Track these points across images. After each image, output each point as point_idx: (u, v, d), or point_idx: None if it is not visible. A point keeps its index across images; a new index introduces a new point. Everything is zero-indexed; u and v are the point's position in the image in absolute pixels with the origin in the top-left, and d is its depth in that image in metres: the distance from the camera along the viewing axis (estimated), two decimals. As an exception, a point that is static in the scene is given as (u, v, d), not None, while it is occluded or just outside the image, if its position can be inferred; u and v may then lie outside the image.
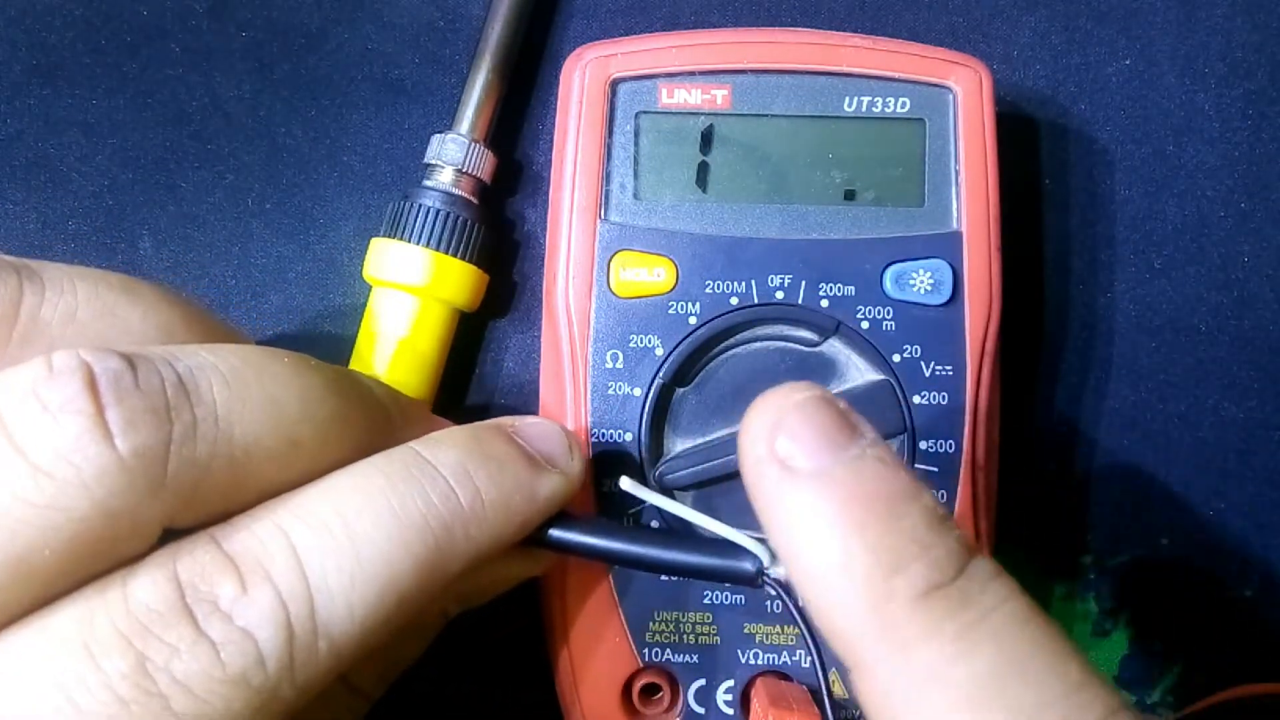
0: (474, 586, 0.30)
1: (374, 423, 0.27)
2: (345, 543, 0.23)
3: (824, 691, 0.27)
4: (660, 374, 0.32)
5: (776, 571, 0.27)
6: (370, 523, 0.24)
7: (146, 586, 0.22)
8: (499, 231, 0.37)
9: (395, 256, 0.34)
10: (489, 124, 0.36)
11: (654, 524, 0.32)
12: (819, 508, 0.23)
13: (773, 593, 0.27)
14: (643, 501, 0.30)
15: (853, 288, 0.32)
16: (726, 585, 0.32)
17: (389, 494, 0.24)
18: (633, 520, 0.32)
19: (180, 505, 0.22)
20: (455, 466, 0.26)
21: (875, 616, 0.22)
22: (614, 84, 0.33)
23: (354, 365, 0.35)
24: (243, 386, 0.23)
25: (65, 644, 0.21)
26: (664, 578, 0.32)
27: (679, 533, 0.30)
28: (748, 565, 0.27)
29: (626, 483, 0.28)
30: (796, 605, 0.26)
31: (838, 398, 0.25)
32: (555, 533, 0.28)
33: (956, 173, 0.33)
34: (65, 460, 0.21)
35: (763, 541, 0.27)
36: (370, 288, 0.35)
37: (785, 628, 0.32)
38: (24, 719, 0.20)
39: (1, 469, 0.20)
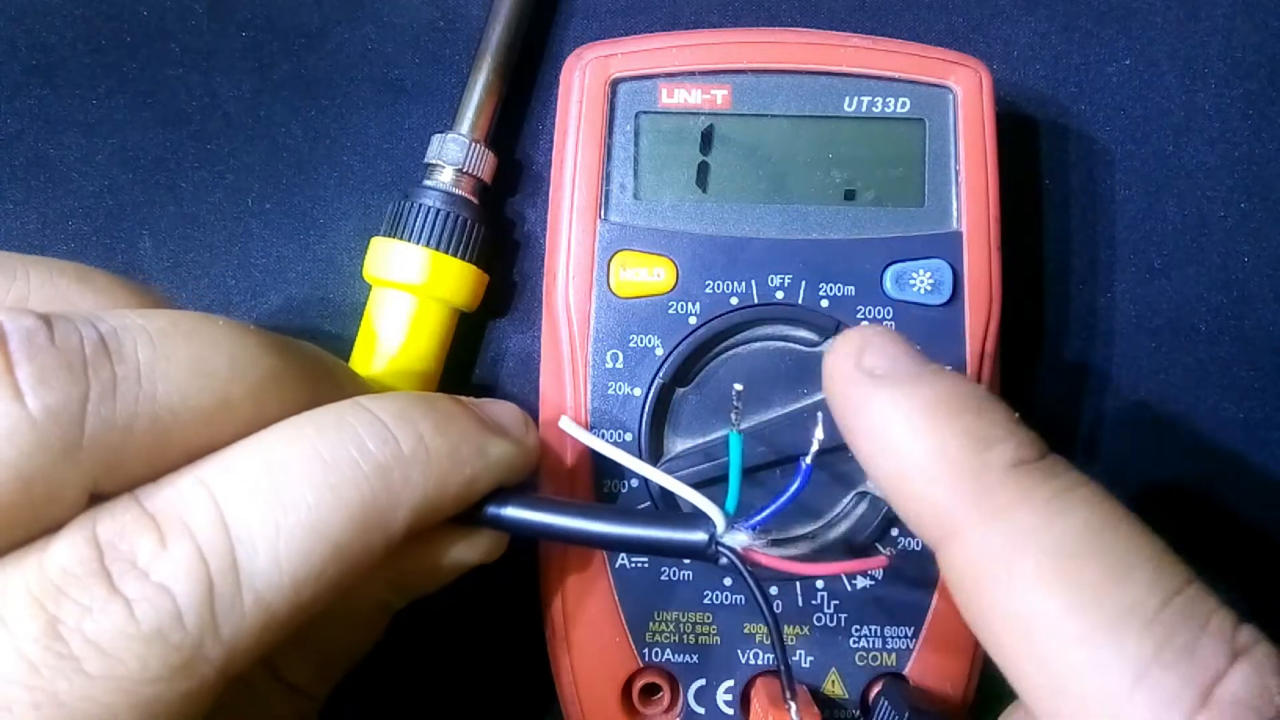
0: (414, 571, 0.28)
1: (314, 384, 0.26)
2: (269, 492, 0.22)
3: (782, 663, 0.26)
4: (660, 374, 0.32)
5: (732, 539, 0.26)
6: (297, 471, 0.23)
7: (64, 550, 0.21)
8: (499, 231, 0.37)
9: (395, 256, 0.34)
10: (489, 124, 0.36)
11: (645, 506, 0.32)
12: (912, 405, 0.24)
13: (724, 563, 0.26)
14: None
15: (853, 288, 0.32)
16: (727, 585, 0.32)
17: (317, 441, 0.23)
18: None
19: (102, 468, 0.22)
20: (397, 413, 0.25)
21: (971, 485, 0.23)
22: (614, 84, 0.33)
23: (354, 364, 0.35)
24: (169, 345, 0.23)
25: None
26: (664, 577, 0.32)
27: (626, 508, 0.29)
28: (700, 535, 0.26)
29: (565, 422, 0.27)
30: (750, 574, 0.25)
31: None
32: (493, 509, 0.27)
33: (956, 173, 0.33)
34: None
35: (720, 508, 0.26)
36: (370, 287, 0.35)
37: (786, 628, 0.32)
38: None
39: None
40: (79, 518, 0.22)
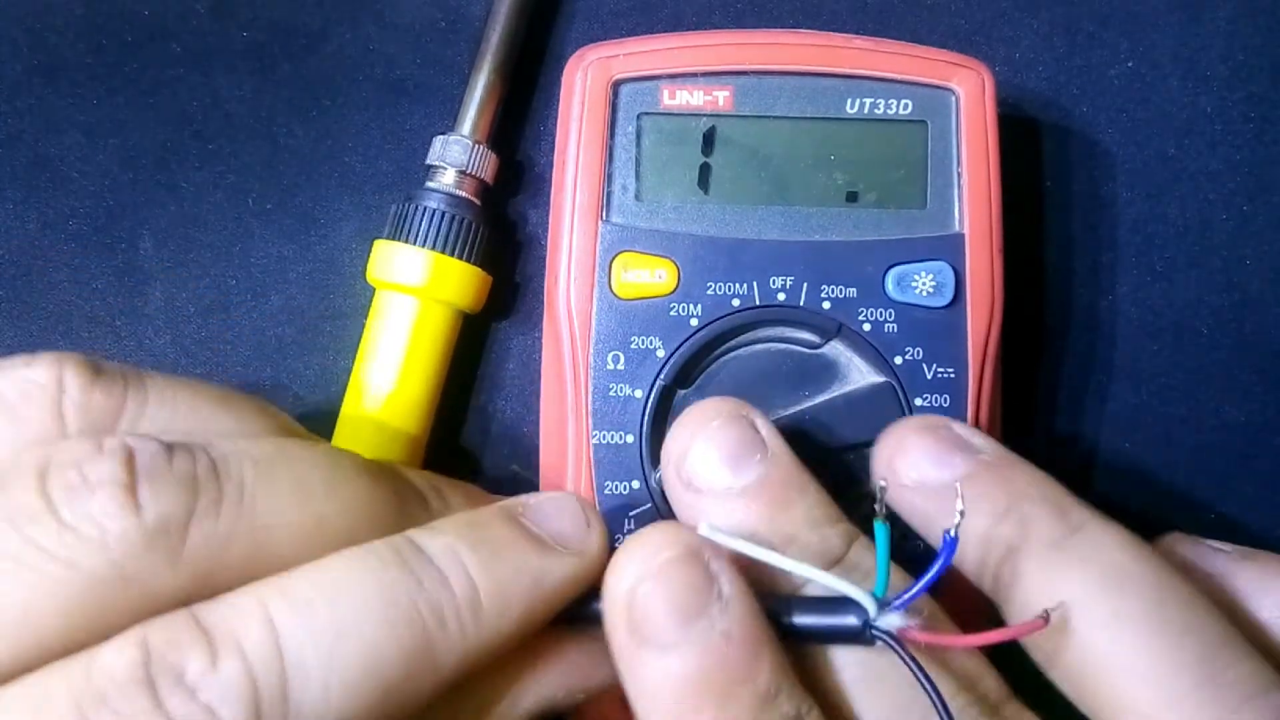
0: (552, 691, 0.27)
1: (405, 504, 0.26)
2: (326, 620, 0.23)
3: None
4: (662, 376, 0.32)
5: (886, 622, 0.24)
6: (355, 602, 0.23)
7: (112, 653, 0.21)
8: (501, 233, 0.37)
9: (399, 259, 0.34)
10: (491, 125, 0.36)
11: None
12: (659, 681, 0.24)
13: (879, 646, 0.25)
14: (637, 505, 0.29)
15: (855, 289, 0.32)
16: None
17: (379, 575, 0.23)
18: (634, 523, 0.32)
19: (198, 579, 0.23)
20: (445, 552, 0.25)
21: None
22: (616, 85, 0.33)
23: (358, 367, 0.35)
24: (270, 467, 0.24)
25: (20, 706, 0.21)
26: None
27: (774, 594, 0.27)
28: (852, 619, 0.25)
29: (706, 529, 0.25)
30: (911, 659, 0.24)
31: (699, 546, 0.25)
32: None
33: (958, 174, 0.33)
34: (91, 520, 0.22)
35: (868, 592, 0.25)
36: (373, 290, 0.35)
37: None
38: None
39: (34, 524, 0.21)
40: (136, 625, 0.22)
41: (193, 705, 0.21)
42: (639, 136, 0.33)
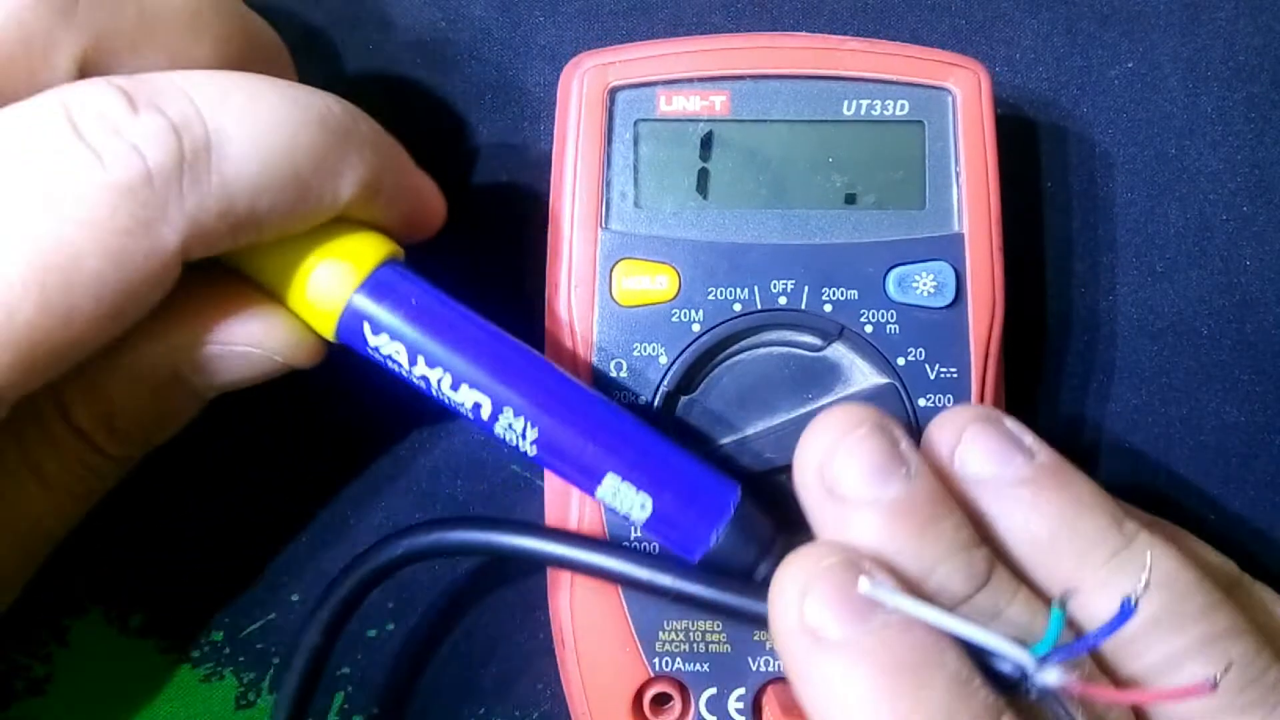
0: (205, 341, 0.28)
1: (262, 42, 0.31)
2: (244, 103, 0.25)
3: None
4: (665, 382, 0.32)
5: (1044, 678, 0.24)
6: (274, 99, 0.26)
7: (28, 105, 0.24)
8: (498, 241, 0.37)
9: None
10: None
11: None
12: (851, 678, 0.24)
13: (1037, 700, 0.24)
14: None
15: (856, 291, 0.32)
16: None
17: (288, 87, 0.27)
18: (638, 530, 0.32)
19: (92, 37, 0.25)
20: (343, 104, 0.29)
21: None
22: (612, 92, 0.33)
23: None
24: None
25: None
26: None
27: None
28: (1007, 669, 0.24)
29: (866, 586, 0.24)
30: (1069, 713, 0.24)
31: (860, 556, 0.25)
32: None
33: (957, 174, 0.33)
34: None
35: (1023, 644, 0.24)
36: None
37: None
38: None
39: None
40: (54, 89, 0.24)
41: (116, 141, 0.23)
42: (636, 143, 0.33)
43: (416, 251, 0.36)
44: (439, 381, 0.28)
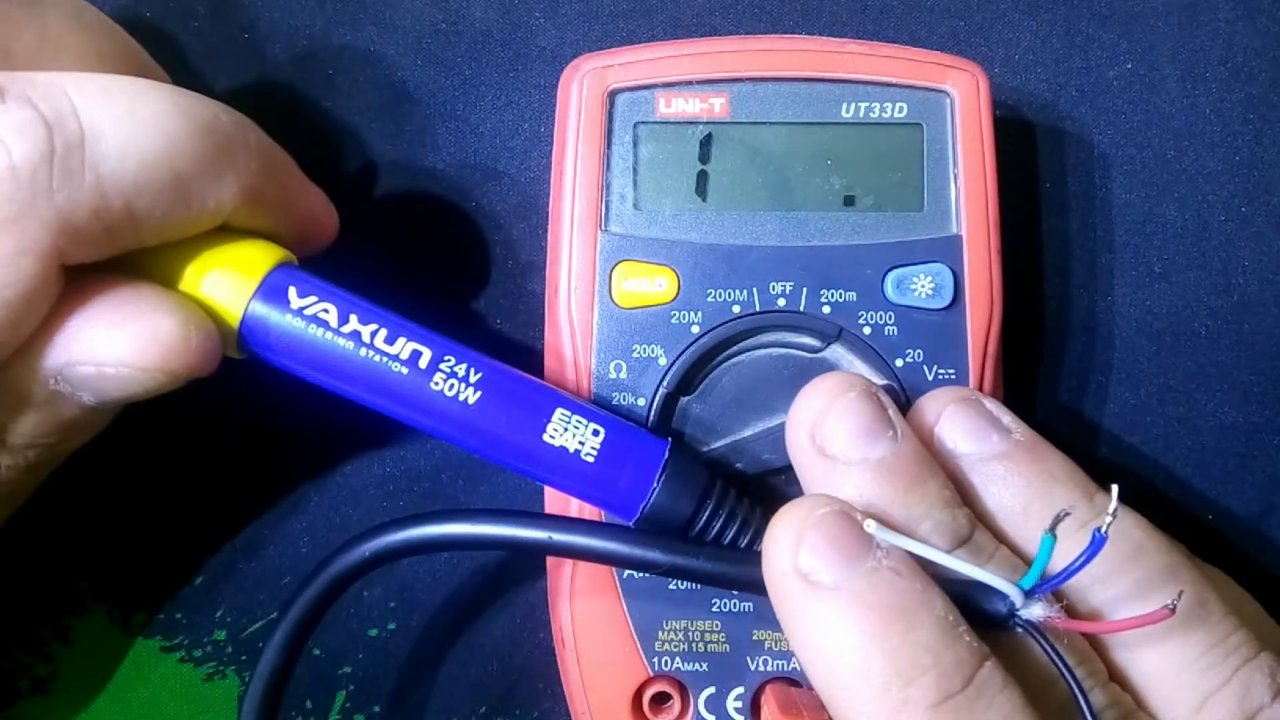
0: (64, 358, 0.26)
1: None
2: (124, 103, 0.25)
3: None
4: (664, 383, 0.32)
5: (1029, 612, 0.26)
6: (153, 102, 0.25)
7: None
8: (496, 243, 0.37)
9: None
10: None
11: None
12: (842, 621, 0.25)
13: (1020, 632, 0.26)
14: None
15: (854, 293, 0.32)
16: (734, 592, 0.32)
17: (176, 93, 0.26)
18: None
19: None
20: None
21: None
22: (611, 95, 0.33)
23: None
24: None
25: None
26: (671, 586, 0.32)
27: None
28: (999, 606, 0.26)
29: (872, 525, 0.26)
30: (1054, 649, 0.25)
31: (851, 507, 0.26)
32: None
33: (955, 176, 0.33)
34: None
35: (1012, 581, 0.26)
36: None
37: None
38: None
39: None
40: None
41: None
42: (636, 145, 0.33)
43: (416, 251, 0.36)
44: (373, 335, 0.28)
